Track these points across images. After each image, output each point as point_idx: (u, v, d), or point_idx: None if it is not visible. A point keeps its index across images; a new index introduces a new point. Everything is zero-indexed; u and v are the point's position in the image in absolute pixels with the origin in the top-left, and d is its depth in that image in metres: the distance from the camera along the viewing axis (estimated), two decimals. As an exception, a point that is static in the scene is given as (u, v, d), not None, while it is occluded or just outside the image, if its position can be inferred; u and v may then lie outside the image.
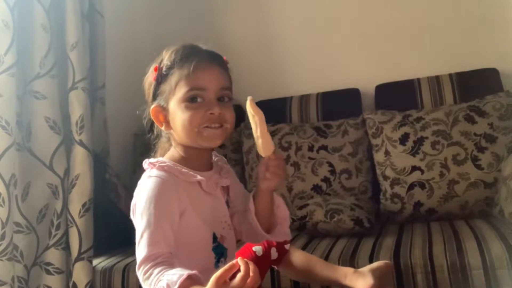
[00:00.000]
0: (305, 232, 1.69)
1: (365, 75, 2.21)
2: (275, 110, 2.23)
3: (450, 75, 2.01)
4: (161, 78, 0.98)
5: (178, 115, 0.96)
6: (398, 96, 2.07)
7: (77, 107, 1.71)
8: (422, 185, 1.75)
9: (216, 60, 0.99)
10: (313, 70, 2.33)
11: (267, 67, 2.34)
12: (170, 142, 1.04)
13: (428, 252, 1.34)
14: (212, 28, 2.45)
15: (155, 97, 1.00)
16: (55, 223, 1.67)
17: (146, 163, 0.99)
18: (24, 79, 1.63)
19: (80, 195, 1.68)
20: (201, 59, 0.97)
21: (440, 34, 2.12)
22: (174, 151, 1.02)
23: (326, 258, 1.40)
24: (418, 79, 2.05)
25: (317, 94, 2.22)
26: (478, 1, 2.06)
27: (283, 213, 1.07)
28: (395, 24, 2.19)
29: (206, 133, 0.96)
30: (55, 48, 1.70)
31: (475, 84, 1.94)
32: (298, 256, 1.20)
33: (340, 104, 2.15)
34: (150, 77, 1.01)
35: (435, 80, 2.02)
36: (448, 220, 1.69)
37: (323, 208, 1.66)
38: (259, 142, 0.98)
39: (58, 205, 1.68)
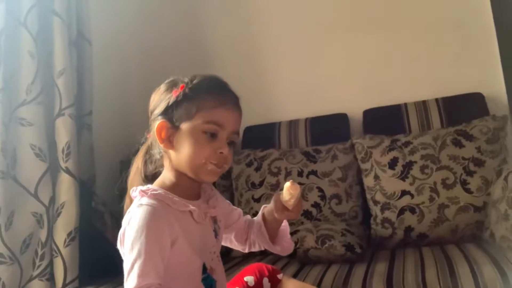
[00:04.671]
0: (296, 259, 1.67)
1: (352, 100, 2.23)
2: (264, 136, 2.23)
3: (436, 99, 2.03)
4: (183, 98, 0.95)
5: (189, 141, 0.94)
6: (385, 120, 2.08)
7: (63, 134, 1.70)
8: (412, 210, 1.75)
9: (239, 105, 1.00)
10: (301, 96, 2.34)
11: (255, 93, 2.35)
12: (162, 162, 1.01)
13: (421, 278, 1.32)
14: (201, 56, 2.46)
15: (166, 112, 0.96)
16: (40, 253, 1.63)
17: (136, 191, 0.95)
18: (10, 106, 1.61)
19: (65, 224, 1.64)
20: (231, 99, 0.97)
21: (425, 59, 2.15)
22: (165, 178, 0.99)
23: (319, 285, 1.37)
24: (405, 104, 2.07)
25: (306, 119, 2.22)
26: (462, 27, 2.10)
27: (283, 225, 1.14)
28: (381, 50, 2.22)
29: (210, 168, 0.95)
30: (42, 74, 1.70)
31: (461, 109, 1.96)
32: (291, 286, 1.18)
33: (328, 129, 2.16)
34: (167, 91, 0.98)
35: (422, 105, 2.04)
36: (439, 245, 1.68)
37: (313, 234, 1.64)
38: (288, 203, 1.03)
39: (43, 235, 1.64)
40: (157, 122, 0.96)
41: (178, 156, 0.96)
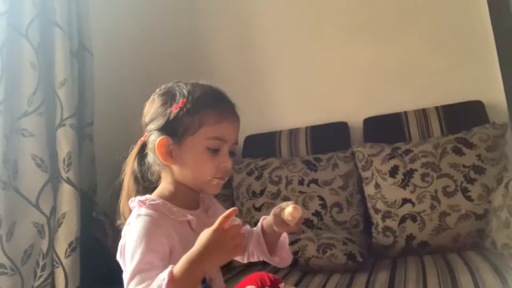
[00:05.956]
0: (297, 268, 1.66)
1: (353, 108, 2.24)
2: (264, 145, 2.24)
3: (436, 108, 2.04)
4: (184, 113, 0.93)
5: (193, 158, 0.94)
6: (386, 129, 2.08)
7: (64, 144, 1.70)
8: (413, 218, 1.74)
9: (237, 113, 0.99)
10: (302, 104, 2.35)
11: (256, 102, 2.37)
12: (160, 173, 1.01)
13: (423, 287, 1.31)
14: (201, 66, 2.47)
15: (165, 128, 0.95)
16: (41, 263, 1.62)
17: (134, 201, 0.95)
18: (12, 117, 1.62)
19: (66, 234, 1.64)
20: (231, 110, 0.97)
21: (425, 67, 2.16)
22: (164, 188, 0.99)
23: (320, 295, 1.37)
24: (405, 112, 2.08)
25: (306, 128, 2.23)
26: (461, 36, 2.11)
27: (283, 236, 1.12)
28: (381, 58, 2.23)
29: (215, 183, 0.96)
30: (44, 85, 1.71)
31: (461, 117, 1.96)
32: (293, 296, 1.18)
33: (329, 137, 2.16)
34: (164, 105, 0.96)
35: (422, 113, 2.04)
36: (440, 253, 1.67)
37: (315, 243, 1.64)
38: (289, 221, 1.02)
39: (44, 245, 1.64)
40: (155, 137, 0.95)
41: (182, 172, 0.96)
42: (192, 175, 0.95)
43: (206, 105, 0.94)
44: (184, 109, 0.93)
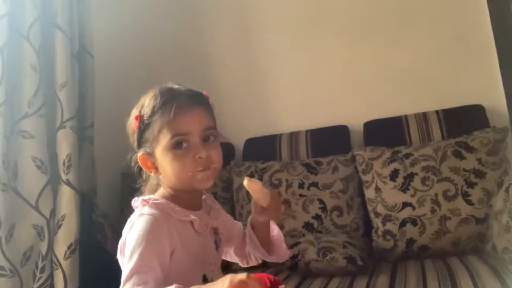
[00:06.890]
0: (298, 271, 1.66)
1: (353, 112, 2.23)
2: (265, 148, 2.23)
3: (437, 111, 2.03)
4: (143, 126, 0.96)
5: (167, 163, 0.94)
6: (386, 132, 2.08)
7: (64, 146, 1.70)
8: (413, 222, 1.74)
9: (196, 101, 0.97)
10: (302, 108, 2.35)
11: (256, 105, 2.36)
12: (159, 183, 1.03)
13: (423, 291, 1.32)
14: (203, 70, 2.47)
15: (140, 144, 0.98)
16: (40, 265, 1.62)
17: (137, 201, 0.97)
18: (12, 119, 1.62)
19: (66, 236, 1.64)
20: (180, 103, 0.94)
21: (426, 71, 2.16)
22: (165, 190, 1.00)
23: (320, 298, 1.37)
24: (406, 116, 2.08)
25: (307, 131, 2.23)
26: (462, 40, 2.11)
27: (276, 234, 1.13)
28: (382, 62, 2.23)
29: (199, 177, 0.95)
30: (44, 87, 1.70)
31: (462, 121, 1.96)
32: (293, 297, 1.18)
33: (329, 141, 2.16)
34: (132, 125, 0.99)
35: (423, 117, 2.04)
36: (441, 257, 1.67)
37: (315, 246, 1.64)
38: (259, 201, 1.04)
39: (43, 247, 1.63)
40: (138, 156, 0.98)
41: (168, 179, 0.98)
42: (175, 178, 0.96)
43: (155, 112, 0.95)
44: (141, 124, 0.96)
